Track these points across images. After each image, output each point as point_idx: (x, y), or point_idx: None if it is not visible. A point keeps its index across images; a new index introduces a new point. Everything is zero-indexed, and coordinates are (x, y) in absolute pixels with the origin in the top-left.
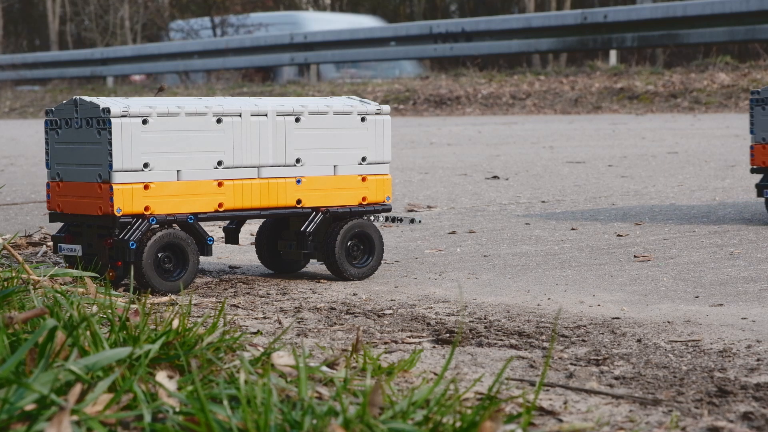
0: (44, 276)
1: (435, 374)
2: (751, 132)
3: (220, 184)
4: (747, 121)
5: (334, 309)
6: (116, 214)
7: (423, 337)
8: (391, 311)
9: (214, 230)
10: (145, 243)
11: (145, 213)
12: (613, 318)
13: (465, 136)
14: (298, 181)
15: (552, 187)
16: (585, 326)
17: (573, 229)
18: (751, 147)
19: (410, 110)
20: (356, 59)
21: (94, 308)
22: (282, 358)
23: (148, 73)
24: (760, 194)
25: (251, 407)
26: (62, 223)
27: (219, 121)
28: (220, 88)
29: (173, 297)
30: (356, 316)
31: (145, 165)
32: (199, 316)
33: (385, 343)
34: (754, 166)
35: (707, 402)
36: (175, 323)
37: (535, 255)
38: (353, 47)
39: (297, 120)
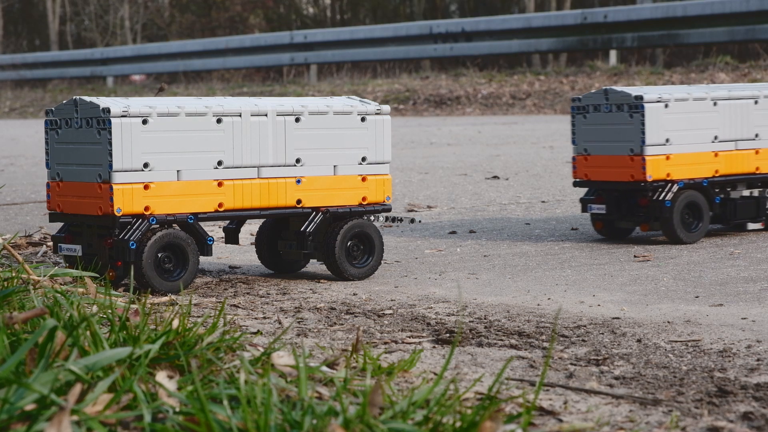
0: (44, 276)
1: (435, 374)
2: (573, 142)
3: (220, 184)
4: None
5: (334, 309)
6: (116, 214)
7: (423, 337)
8: (391, 311)
9: (214, 230)
10: (145, 243)
11: (145, 213)
12: (613, 318)
13: (465, 136)
14: (298, 181)
15: (552, 187)
16: (585, 326)
17: (573, 229)
18: (573, 158)
19: (410, 110)
20: (356, 59)
21: (94, 308)
22: (282, 358)
23: (148, 73)
24: (584, 209)
25: (251, 407)
26: (62, 223)
27: (219, 121)
28: (220, 88)
29: (173, 297)
30: (356, 316)
31: (145, 165)
32: (199, 316)
33: (385, 343)
34: (577, 179)
35: (707, 402)
36: (175, 323)
37: (535, 255)
38: (353, 47)
39: (297, 120)
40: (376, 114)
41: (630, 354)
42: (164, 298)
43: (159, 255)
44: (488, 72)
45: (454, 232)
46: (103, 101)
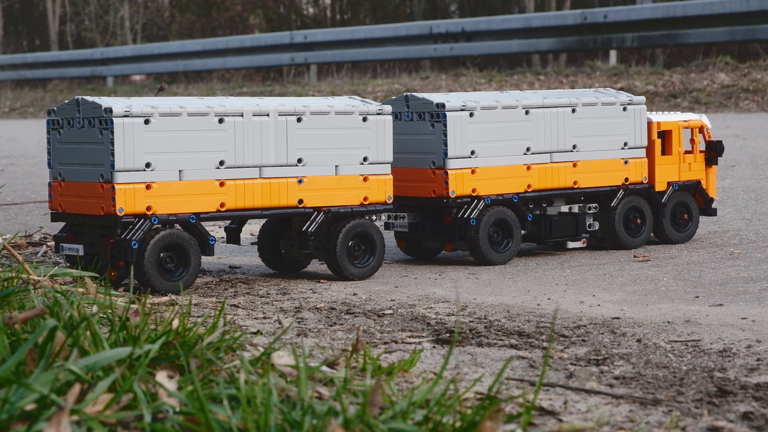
0: (44, 276)
1: (435, 374)
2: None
3: (222, 184)
4: (748, 121)
5: (334, 309)
6: (118, 213)
7: (423, 337)
8: (391, 311)
9: (215, 230)
10: (147, 243)
11: (147, 213)
12: (613, 318)
13: None
14: (300, 181)
15: None
16: (585, 326)
17: None
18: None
19: None
20: (356, 59)
21: (94, 308)
22: (282, 358)
23: (148, 73)
24: (387, 227)
25: (251, 407)
26: (64, 223)
27: (221, 121)
28: (220, 88)
29: (173, 297)
30: (356, 316)
31: (147, 165)
32: (199, 316)
33: (385, 343)
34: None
35: (707, 402)
36: (175, 323)
37: (535, 255)
38: (353, 47)
39: (299, 120)
40: (378, 114)
41: (630, 354)
42: (164, 298)
43: (161, 255)
44: (488, 72)
45: None
46: (105, 101)
